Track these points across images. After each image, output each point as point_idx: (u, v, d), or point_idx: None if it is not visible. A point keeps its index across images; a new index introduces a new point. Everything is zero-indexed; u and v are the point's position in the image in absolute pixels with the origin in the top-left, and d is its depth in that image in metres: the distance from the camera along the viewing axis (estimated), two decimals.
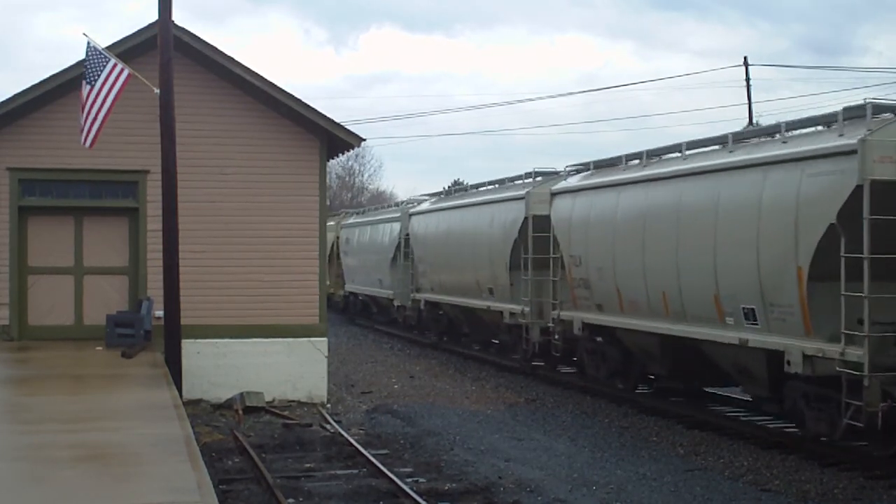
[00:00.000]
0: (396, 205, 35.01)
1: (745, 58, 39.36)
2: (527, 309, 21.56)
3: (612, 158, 19.06)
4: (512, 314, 22.33)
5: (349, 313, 40.13)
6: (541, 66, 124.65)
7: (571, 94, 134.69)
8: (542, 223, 20.95)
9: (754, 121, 38.55)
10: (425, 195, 30.66)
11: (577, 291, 19.27)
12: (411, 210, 30.86)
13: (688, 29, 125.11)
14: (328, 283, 40.40)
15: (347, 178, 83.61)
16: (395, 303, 31.96)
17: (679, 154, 16.62)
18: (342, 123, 18.31)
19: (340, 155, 20.99)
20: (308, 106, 17.76)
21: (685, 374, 17.64)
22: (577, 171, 20.41)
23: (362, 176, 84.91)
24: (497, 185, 25.26)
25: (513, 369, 23.40)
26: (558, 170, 22.49)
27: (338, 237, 40.09)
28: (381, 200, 67.56)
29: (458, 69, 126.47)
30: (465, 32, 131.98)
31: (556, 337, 20.44)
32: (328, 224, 41.86)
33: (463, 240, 25.29)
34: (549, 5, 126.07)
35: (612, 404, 18.36)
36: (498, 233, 23.10)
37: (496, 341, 26.16)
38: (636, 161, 17.91)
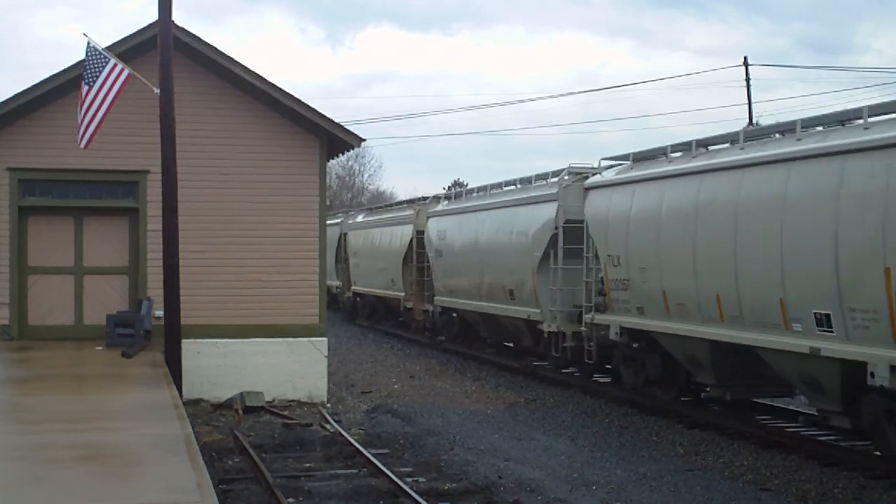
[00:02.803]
0: (541, 177, 22.56)
1: (746, 58, 39.47)
2: None
3: None
4: None
5: (435, 335, 29.38)
6: (540, 65, 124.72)
7: (571, 93, 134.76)
8: None
9: (755, 120, 38.57)
10: (608, 159, 19.80)
11: None
12: (590, 182, 19.39)
13: (687, 27, 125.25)
14: (402, 293, 30.98)
15: (347, 178, 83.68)
16: (546, 327, 20.97)
17: None
18: (341, 123, 18.33)
19: (340, 155, 21.00)
20: (308, 106, 17.77)
21: None
22: None
23: (362, 176, 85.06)
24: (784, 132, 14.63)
25: (513, 369, 23.33)
26: None
27: (416, 232, 29.84)
28: (380, 200, 67.30)
29: (457, 68, 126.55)
30: (462, 31, 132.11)
31: None
32: (406, 213, 31.29)
33: (756, 224, 14.07)
34: (547, 4, 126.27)
35: (612, 404, 18.36)
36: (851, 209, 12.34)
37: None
38: None
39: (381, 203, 53.48)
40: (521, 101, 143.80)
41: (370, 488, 11.75)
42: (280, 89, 17.64)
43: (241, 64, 17.44)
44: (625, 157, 18.76)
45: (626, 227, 17.51)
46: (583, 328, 19.43)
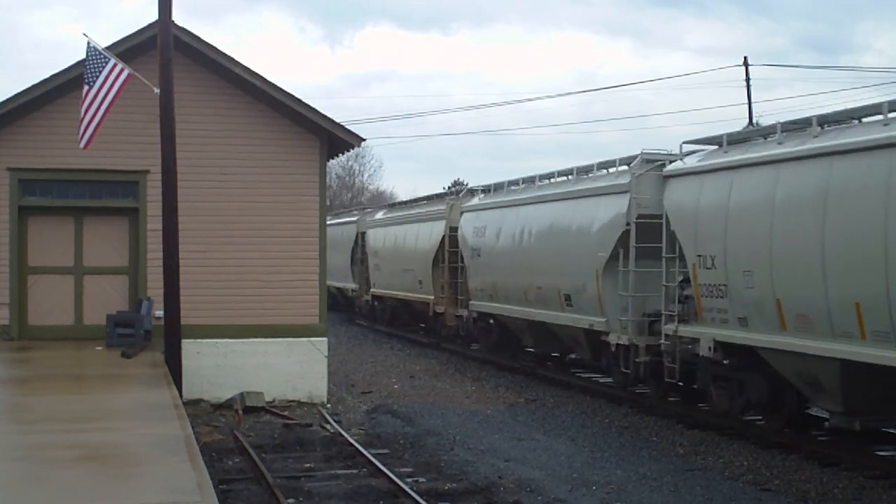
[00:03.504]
0: (605, 166, 19.59)
1: (745, 58, 39.43)
2: None
3: None
4: None
5: (469, 343, 26.81)
6: (539, 65, 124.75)
7: (570, 93, 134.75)
8: None
9: (755, 121, 38.57)
10: (691, 143, 17.02)
11: None
12: (672, 170, 16.59)
13: (687, 26, 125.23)
14: (431, 297, 27.94)
15: (347, 178, 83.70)
16: (614, 339, 18.01)
17: None
18: (341, 123, 18.32)
19: (340, 155, 21.00)
20: (308, 106, 17.77)
21: None
22: None
23: (362, 176, 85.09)
24: None
25: (513, 369, 23.32)
26: None
27: (449, 229, 26.67)
28: (381, 200, 67.26)
29: (456, 68, 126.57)
30: (461, 30, 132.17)
31: None
32: (437, 208, 28.04)
33: None
34: (547, 3, 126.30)
35: (612, 404, 18.35)
36: None
37: None
38: None
39: (380, 202, 53.13)
40: (520, 101, 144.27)
41: (370, 488, 11.75)
42: (280, 89, 17.64)
43: (241, 64, 17.45)
44: (710, 141, 16.33)
45: (724, 220, 14.66)
46: (663, 341, 16.41)
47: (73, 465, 7.99)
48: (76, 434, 9.40)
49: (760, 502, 11.59)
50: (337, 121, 18.14)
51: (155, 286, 16.39)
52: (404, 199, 37.67)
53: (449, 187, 59.23)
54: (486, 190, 25.74)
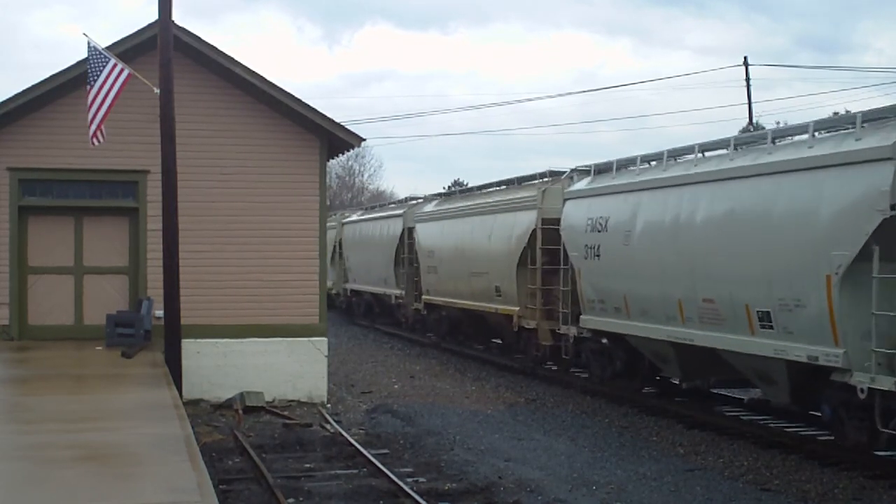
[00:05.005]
0: (826, 125, 14.12)
1: (745, 58, 39.49)
2: None
3: None
4: None
5: (568, 368, 21.37)
6: (538, 64, 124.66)
7: (570, 93, 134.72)
8: None
9: (754, 121, 38.59)
10: None
11: None
12: None
13: (686, 26, 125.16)
14: (515, 308, 22.09)
15: (347, 178, 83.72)
16: (865, 382, 12.04)
17: None
18: (341, 123, 18.32)
19: (340, 155, 21.01)
20: (308, 106, 17.78)
21: None
22: None
23: (362, 176, 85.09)
24: None
25: (513, 369, 23.33)
26: None
27: (541, 221, 21.09)
28: (381, 200, 67.05)
29: (455, 68, 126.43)
30: (460, 30, 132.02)
31: None
32: (523, 195, 22.53)
33: None
34: (546, 2, 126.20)
35: (613, 404, 18.34)
36: None
37: None
38: None
39: (380, 202, 52.45)
40: (520, 101, 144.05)
41: (370, 488, 11.75)
42: (280, 89, 17.65)
43: (241, 64, 17.45)
44: None
45: None
46: None
47: (73, 465, 7.99)
48: (76, 434, 9.41)
49: (760, 502, 11.59)
50: (337, 121, 18.15)
51: (155, 286, 16.40)
52: (469, 186, 30.62)
53: (449, 187, 58.68)
54: (603, 170, 19.33)
